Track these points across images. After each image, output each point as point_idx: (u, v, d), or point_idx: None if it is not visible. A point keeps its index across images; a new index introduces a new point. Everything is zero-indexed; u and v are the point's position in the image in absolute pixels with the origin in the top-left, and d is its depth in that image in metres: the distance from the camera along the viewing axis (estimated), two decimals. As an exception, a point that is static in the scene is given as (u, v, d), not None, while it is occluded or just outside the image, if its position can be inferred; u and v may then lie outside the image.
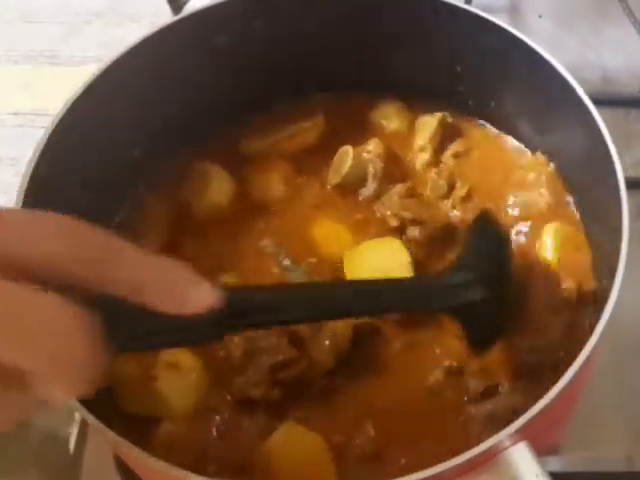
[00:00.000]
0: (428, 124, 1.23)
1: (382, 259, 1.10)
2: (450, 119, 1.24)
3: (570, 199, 1.16)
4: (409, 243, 1.11)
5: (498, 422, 0.95)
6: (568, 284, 1.05)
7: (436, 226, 1.13)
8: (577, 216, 1.15)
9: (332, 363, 1.01)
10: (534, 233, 1.13)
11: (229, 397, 1.01)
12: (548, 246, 1.10)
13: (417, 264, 1.09)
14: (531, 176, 1.18)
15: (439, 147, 1.22)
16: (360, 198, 1.20)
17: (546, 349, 1.01)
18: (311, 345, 1.02)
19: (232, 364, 1.01)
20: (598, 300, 1.05)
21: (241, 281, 1.11)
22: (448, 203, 1.17)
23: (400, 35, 1.19)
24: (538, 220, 1.14)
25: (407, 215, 1.13)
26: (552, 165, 1.18)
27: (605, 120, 0.98)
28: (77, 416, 1.15)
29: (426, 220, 1.13)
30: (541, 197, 1.15)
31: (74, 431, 1.14)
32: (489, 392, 1.00)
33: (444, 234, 1.14)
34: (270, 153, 1.24)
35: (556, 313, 1.03)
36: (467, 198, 1.17)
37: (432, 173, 1.19)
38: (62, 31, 1.73)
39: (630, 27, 1.48)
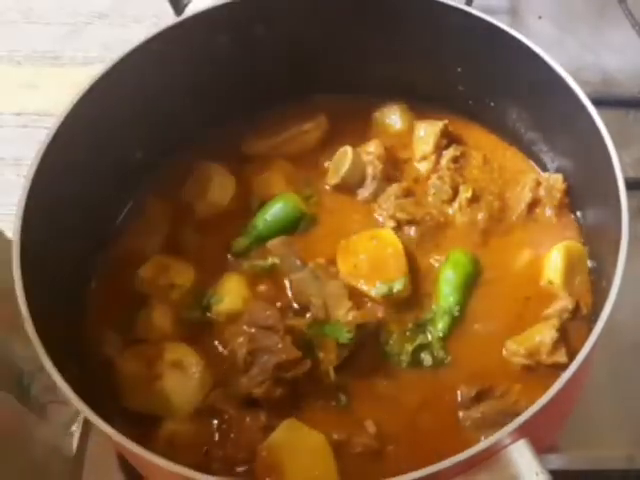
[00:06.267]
0: (429, 133, 1.23)
1: (374, 247, 1.12)
2: (451, 127, 1.24)
3: (573, 209, 1.17)
4: (404, 241, 1.13)
5: (490, 424, 0.97)
6: (569, 300, 1.07)
7: (430, 225, 1.16)
8: (579, 222, 1.16)
9: (335, 362, 1.02)
10: (541, 250, 1.13)
11: (232, 396, 1.01)
12: (553, 267, 1.09)
13: (410, 260, 1.11)
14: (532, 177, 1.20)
15: (440, 155, 1.23)
16: (358, 198, 1.21)
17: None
18: (315, 344, 1.03)
19: (236, 363, 1.02)
20: (597, 304, 1.06)
21: (243, 281, 1.12)
22: (455, 205, 1.18)
23: (401, 37, 1.20)
24: (544, 237, 1.15)
25: (403, 216, 1.15)
26: (554, 171, 1.20)
27: (605, 120, 0.99)
28: (80, 415, 1.15)
29: (421, 220, 1.16)
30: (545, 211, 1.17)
31: (77, 430, 1.15)
32: (480, 396, 1.01)
33: (438, 231, 1.16)
34: (272, 153, 1.25)
35: (554, 324, 1.04)
36: (473, 199, 1.18)
37: (434, 179, 1.20)
38: (64, 32, 1.73)
39: (630, 29, 1.48)
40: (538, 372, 1.02)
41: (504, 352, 1.05)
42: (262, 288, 1.11)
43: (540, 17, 1.62)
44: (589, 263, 1.11)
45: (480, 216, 1.16)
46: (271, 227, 1.16)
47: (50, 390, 1.14)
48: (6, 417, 1.03)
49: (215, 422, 1.00)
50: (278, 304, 1.08)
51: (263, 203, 1.20)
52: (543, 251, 1.13)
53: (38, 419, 1.11)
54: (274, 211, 1.17)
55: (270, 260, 1.12)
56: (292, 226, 1.17)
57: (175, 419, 1.00)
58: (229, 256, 1.16)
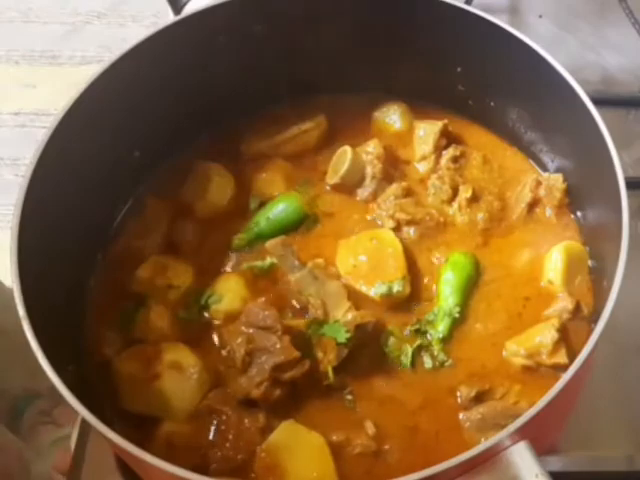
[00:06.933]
0: (429, 133, 1.23)
1: (373, 248, 1.12)
2: (451, 127, 1.24)
3: (573, 209, 1.17)
4: (404, 241, 1.13)
5: (490, 425, 0.97)
6: (569, 301, 1.06)
7: (429, 225, 1.16)
8: (579, 222, 1.15)
9: (334, 362, 1.01)
10: (541, 250, 1.13)
11: (231, 396, 1.01)
12: (553, 267, 1.09)
13: (410, 261, 1.11)
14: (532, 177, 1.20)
15: (439, 154, 1.23)
16: (358, 198, 1.21)
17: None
18: (314, 344, 1.03)
19: (234, 364, 1.02)
20: (597, 304, 1.06)
21: (241, 281, 1.11)
22: (455, 205, 1.17)
23: (400, 36, 1.19)
24: (544, 237, 1.15)
25: (403, 217, 1.15)
26: (554, 171, 1.19)
27: (605, 120, 0.99)
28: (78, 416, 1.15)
29: (421, 220, 1.16)
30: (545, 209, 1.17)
31: (75, 431, 1.15)
32: (480, 397, 1.00)
33: (437, 232, 1.16)
34: (271, 153, 1.25)
35: (555, 324, 1.04)
36: (473, 199, 1.17)
37: (434, 179, 1.20)
38: (63, 31, 1.74)
39: (630, 27, 1.48)
40: (538, 373, 1.02)
41: (504, 353, 1.05)
42: (261, 288, 1.10)
43: (540, 16, 1.62)
44: (589, 263, 1.11)
45: (480, 216, 1.16)
46: (273, 226, 1.16)
47: (45, 414, 1.15)
48: (10, 457, 1.04)
49: (214, 423, 1.00)
50: (276, 304, 1.07)
51: (262, 203, 1.20)
52: (543, 251, 1.12)
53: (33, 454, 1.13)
54: (277, 210, 1.17)
55: (268, 260, 1.12)
56: (293, 226, 1.17)
57: (173, 420, 1.00)
58: (230, 253, 1.16)
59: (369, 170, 1.20)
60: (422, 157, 1.23)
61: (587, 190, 1.12)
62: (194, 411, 1.00)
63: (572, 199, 1.16)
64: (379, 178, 1.20)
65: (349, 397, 1.02)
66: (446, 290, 1.09)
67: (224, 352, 1.05)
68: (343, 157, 1.20)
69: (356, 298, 1.08)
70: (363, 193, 1.20)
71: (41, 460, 1.17)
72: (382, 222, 1.16)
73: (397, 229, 1.15)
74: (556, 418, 0.97)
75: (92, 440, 1.10)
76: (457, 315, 1.07)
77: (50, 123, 1.01)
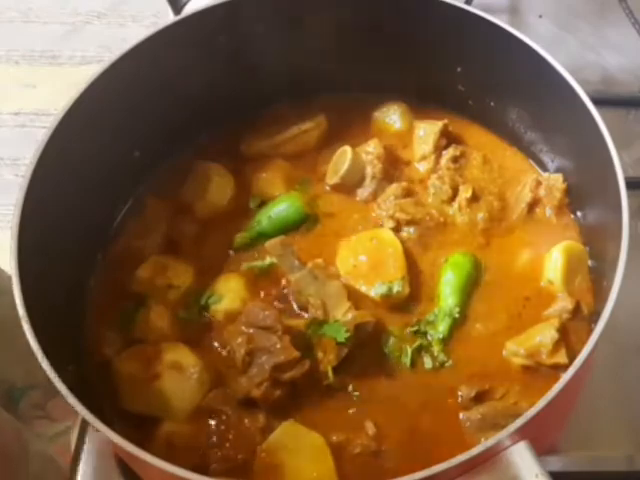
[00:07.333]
0: (429, 133, 1.23)
1: (374, 248, 1.12)
2: (451, 127, 1.24)
3: (573, 209, 1.17)
4: (404, 241, 1.13)
5: (490, 425, 0.97)
6: (569, 301, 1.06)
7: (429, 225, 1.16)
8: (579, 222, 1.16)
9: (334, 362, 1.01)
10: (541, 250, 1.13)
11: (231, 396, 1.01)
12: (553, 267, 1.09)
13: (410, 261, 1.11)
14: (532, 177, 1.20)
15: (439, 154, 1.23)
16: (358, 198, 1.21)
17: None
18: (314, 344, 1.03)
19: (234, 364, 1.02)
20: (597, 304, 1.06)
21: (242, 281, 1.11)
22: (455, 205, 1.17)
23: (400, 36, 1.19)
24: (544, 237, 1.15)
25: (403, 217, 1.15)
26: (554, 171, 1.19)
27: (605, 120, 0.99)
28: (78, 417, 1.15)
29: (421, 220, 1.16)
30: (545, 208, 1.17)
31: (75, 431, 1.15)
32: (481, 397, 1.01)
33: (437, 232, 1.16)
34: (271, 153, 1.25)
35: (555, 324, 1.04)
36: (473, 199, 1.17)
37: (434, 179, 1.19)
38: (63, 31, 1.74)
39: (630, 27, 1.48)
40: (538, 373, 1.02)
41: (504, 353, 1.05)
42: (261, 288, 1.11)
43: (540, 16, 1.62)
44: (589, 263, 1.11)
45: (480, 216, 1.16)
46: (274, 225, 1.16)
47: (38, 407, 1.15)
48: (7, 437, 1.04)
49: (214, 423, 1.00)
50: (277, 304, 1.08)
51: (262, 203, 1.20)
52: (543, 251, 1.12)
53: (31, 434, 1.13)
54: (279, 209, 1.18)
55: (268, 260, 1.12)
56: (294, 226, 1.17)
57: (173, 420, 1.00)
58: (231, 252, 1.16)
59: (369, 170, 1.20)
60: (422, 157, 1.23)
61: (587, 190, 1.12)
62: (194, 411, 1.01)
63: (572, 199, 1.16)
64: (379, 178, 1.20)
65: (356, 393, 1.02)
66: (446, 290, 1.09)
67: (224, 352, 1.05)
68: (343, 157, 1.20)
69: (356, 298, 1.08)
70: (363, 193, 1.20)
71: (40, 442, 1.17)
72: (382, 222, 1.16)
73: (397, 229, 1.15)
74: (556, 418, 0.97)
75: (92, 440, 1.10)
76: (457, 315, 1.07)
77: (50, 123, 1.02)
